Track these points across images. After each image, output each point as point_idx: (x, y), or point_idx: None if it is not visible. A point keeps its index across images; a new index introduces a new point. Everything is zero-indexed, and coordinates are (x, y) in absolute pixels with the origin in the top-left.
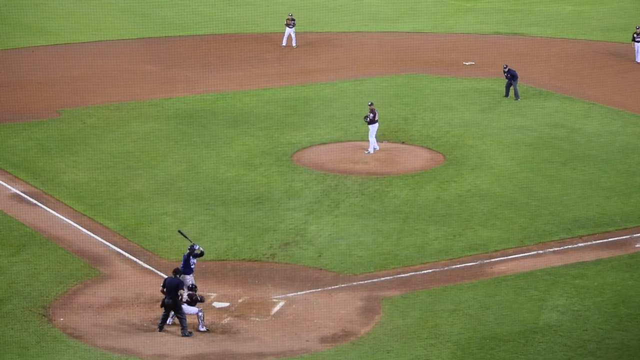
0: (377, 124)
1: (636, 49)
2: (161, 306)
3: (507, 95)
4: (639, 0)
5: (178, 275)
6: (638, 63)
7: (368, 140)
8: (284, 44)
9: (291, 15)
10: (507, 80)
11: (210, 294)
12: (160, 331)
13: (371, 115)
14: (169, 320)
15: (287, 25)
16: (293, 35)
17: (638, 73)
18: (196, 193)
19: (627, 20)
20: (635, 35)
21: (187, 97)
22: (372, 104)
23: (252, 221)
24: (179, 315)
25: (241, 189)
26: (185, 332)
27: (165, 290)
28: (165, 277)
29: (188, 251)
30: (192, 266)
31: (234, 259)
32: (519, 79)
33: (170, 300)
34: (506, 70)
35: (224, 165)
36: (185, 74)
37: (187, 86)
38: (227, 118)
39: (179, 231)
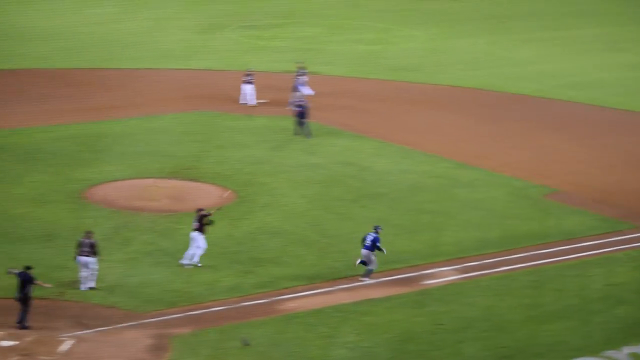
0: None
1: (242, 90)
2: (16, 300)
3: (298, 133)
4: (429, 42)
5: (29, 271)
6: (242, 104)
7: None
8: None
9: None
10: (297, 118)
11: None
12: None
13: None
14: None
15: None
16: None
17: (429, 112)
18: None
19: (417, 60)
20: (245, 77)
21: None
22: None
23: (39, 259)
24: (26, 308)
25: (30, 226)
26: (26, 324)
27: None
28: (17, 271)
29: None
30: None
31: None
32: (309, 117)
33: (22, 295)
34: (299, 102)
35: (12, 201)
36: None
37: None
38: (17, 154)
39: None
